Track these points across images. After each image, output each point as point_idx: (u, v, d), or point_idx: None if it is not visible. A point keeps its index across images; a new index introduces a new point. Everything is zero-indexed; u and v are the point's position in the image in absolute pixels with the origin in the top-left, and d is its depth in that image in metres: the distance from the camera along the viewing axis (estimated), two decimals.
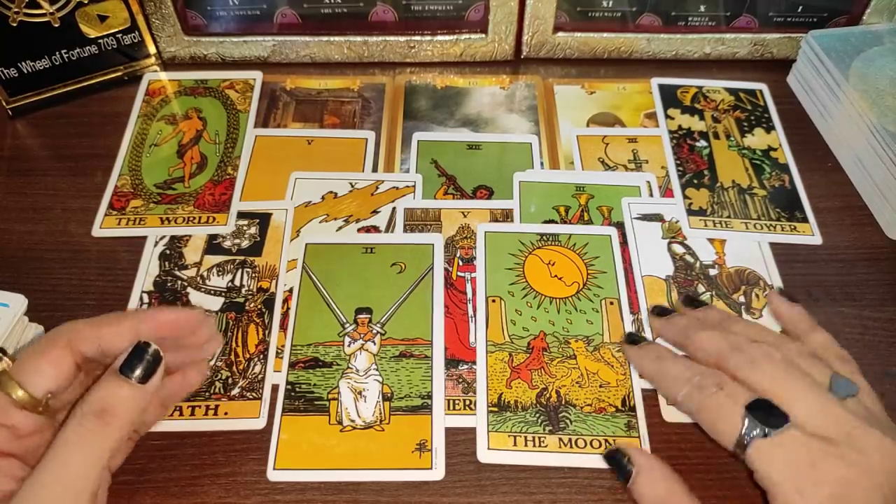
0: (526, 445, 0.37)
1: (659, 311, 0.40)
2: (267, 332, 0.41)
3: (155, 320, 0.32)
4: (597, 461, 0.36)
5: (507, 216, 0.47)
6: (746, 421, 0.31)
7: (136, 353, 0.30)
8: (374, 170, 0.49)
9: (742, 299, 0.43)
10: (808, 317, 0.38)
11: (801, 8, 0.54)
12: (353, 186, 0.48)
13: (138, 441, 0.37)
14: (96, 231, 0.45)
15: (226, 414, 0.38)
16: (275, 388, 0.39)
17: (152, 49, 0.54)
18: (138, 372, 0.30)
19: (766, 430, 0.31)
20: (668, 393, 0.35)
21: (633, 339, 0.39)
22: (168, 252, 0.44)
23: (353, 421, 0.38)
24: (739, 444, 0.31)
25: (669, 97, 0.54)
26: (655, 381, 0.37)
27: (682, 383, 0.34)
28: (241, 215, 0.46)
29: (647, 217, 0.47)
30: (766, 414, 0.31)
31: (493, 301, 0.42)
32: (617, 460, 0.34)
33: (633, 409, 0.38)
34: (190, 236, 0.45)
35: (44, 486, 0.28)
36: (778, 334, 0.37)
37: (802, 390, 0.32)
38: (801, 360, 0.34)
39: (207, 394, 0.38)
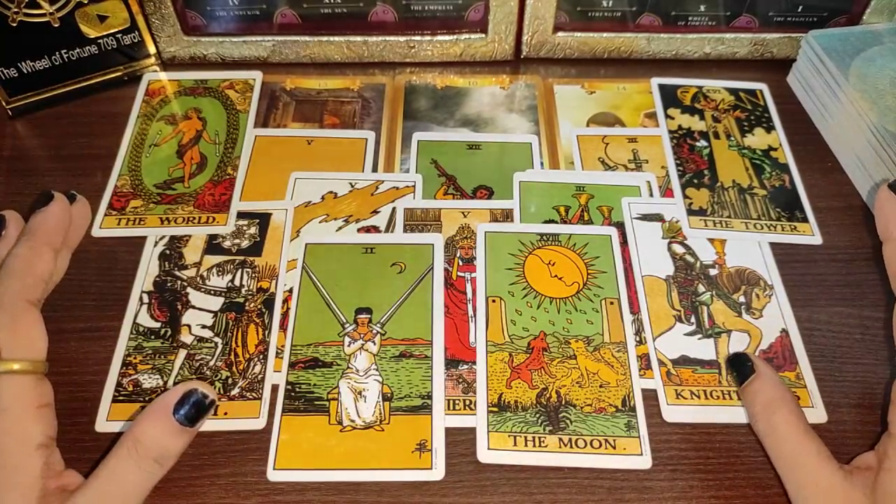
0: (526, 445, 0.37)
1: None
2: (267, 332, 0.41)
3: (49, 229, 0.38)
4: (597, 461, 0.36)
5: (507, 216, 0.47)
6: None
7: (196, 406, 0.32)
8: (374, 170, 0.49)
9: (742, 299, 0.43)
10: None
11: (801, 8, 0.54)
12: (353, 186, 0.48)
13: None
14: (96, 231, 0.45)
15: (225, 414, 0.38)
16: (275, 388, 0.39)
17: (152, 49, 0.54)
18: (196, 423, 0.33)
19: None
20: None
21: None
22: (168, 252, 0.44)
23: (352, 421, 0.38)
24: None
25: (669, 97, 0.54)
26: None
27: None
28: (240, 215, 0.46)
29: (647, 217, 0.47)
30: None
31: (493, 301, 0.42)
32: (741, 362, 0.38)
33: (633, 409, 0.38)
34: (190, 236, 0.45)
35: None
36: None
37: None
38: None
39: None
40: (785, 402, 0.35)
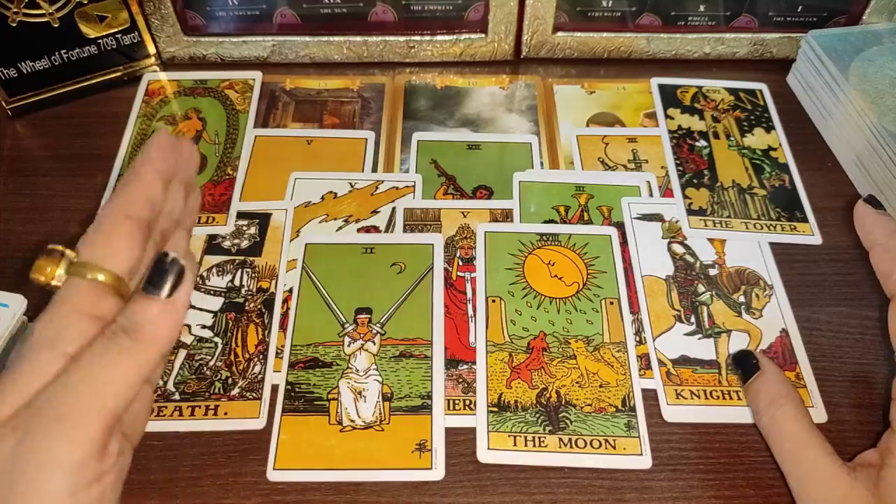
0: (526, 445, 0.37)
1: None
2: (267, 332, 0.41)
3: (151, 154, 0.29)
4: (597, 461, 0.36)
5: (507, 216, 0.47)
6: None
7: (157, 267, 0.26)
8: (374, 170, 0.49)
9: (742, 299, 0.43)
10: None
11: (800, 8, 0.54)
12: (352, 186, 0.48)
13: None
14: None
15: (226, 414, 0.38)
16: (274, 389, 0.39)
17: (152, 49, 0.54)
18: (166, 287, 0.26)
19: None
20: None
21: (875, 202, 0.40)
22: None
23: (352, 421, 0.38)
24: None
25: (669, 97, 0.54)
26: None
27: None
28: (240, 215, 0.46)
29: (647, 217, 0.47)
30: None
31: (493, 301, 0.42)
32: (745, 359, 0.38)
33: (633, 409, 0.38)
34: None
35: (66, 388, 0.24)
36: None
37: None
38: None
39: (207, 394, 0.38)
40: (790, 399, 0.35)
